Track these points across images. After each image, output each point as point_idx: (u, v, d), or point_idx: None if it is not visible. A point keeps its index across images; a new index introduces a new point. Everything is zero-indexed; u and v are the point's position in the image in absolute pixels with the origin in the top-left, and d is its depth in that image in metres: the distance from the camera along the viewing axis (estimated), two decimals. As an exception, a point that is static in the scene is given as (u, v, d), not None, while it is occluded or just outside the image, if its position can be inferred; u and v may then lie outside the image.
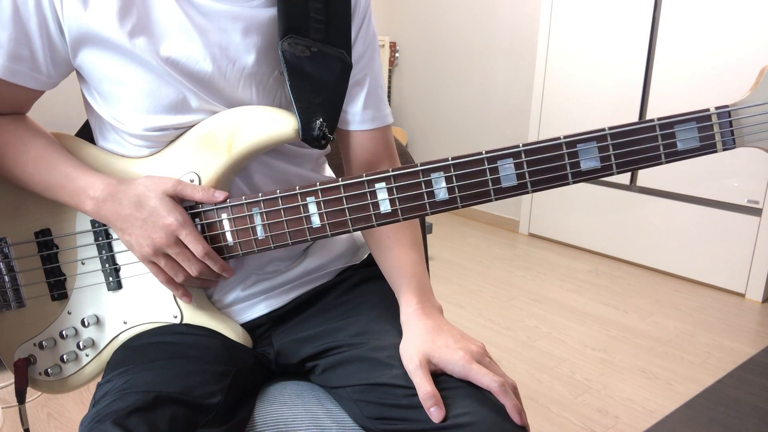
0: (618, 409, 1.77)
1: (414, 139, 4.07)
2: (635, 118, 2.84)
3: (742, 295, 2.61)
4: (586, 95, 3.02)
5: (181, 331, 0.79)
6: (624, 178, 2.95)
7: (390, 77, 3.99)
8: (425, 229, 1.09)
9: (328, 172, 0.94)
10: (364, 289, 0.87)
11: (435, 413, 0.64)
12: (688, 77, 2.64)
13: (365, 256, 0.93)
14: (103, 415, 0.64)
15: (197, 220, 0.75)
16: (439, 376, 0.70)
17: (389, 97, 4.02)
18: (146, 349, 0.77)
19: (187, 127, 0.76)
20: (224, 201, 0.74)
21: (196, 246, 0.73)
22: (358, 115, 0.84)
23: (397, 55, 4.01)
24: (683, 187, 2.74)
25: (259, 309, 0.84)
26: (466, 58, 3.65)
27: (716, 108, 0.62)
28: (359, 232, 0.95)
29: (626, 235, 2.98)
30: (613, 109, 2.92)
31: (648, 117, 2.81)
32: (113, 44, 0.71)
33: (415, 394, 0.67)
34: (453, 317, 2.35)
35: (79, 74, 0.78)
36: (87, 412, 0.68)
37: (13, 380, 0.83)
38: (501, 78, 3.49)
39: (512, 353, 2.09)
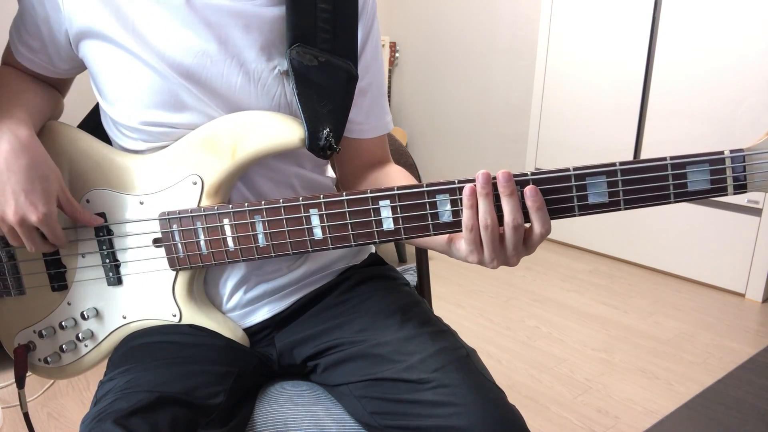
0: (618, 409, 1.78)
1: (414, 139, 4.07)
2: (635, 118, 2.84)
3: (742, 295, 2.61)
4: (586, 95, 3.02)
5: (184, 331, 0.79)
6: (624, 178, 2.94)
7: (390, 77, 3.99)
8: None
9: (329, 172, 0.94)
10: (364, 288, 0.87)
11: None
12: (688, 77, 2.64)
13: (366, 257, 0.94)
14: (105, 414, 0.64)
15: (199, 223, 0.74)
16: (438, 370, 0.70)
17: (389, 96, 4.02)
18: (149, 348, 0.77)
19: (185, 126, 0.76)
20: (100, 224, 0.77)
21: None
22: (359, 124, 0.85)
23: (397, 55, 4.01)
24: (683, 187, 2.74)
25: (261, 314, 0.84)
26: (466, 58, 3.65)
27: (731, 151, 0.62)
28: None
29: (626, 235, 2.98)
30: (613, 109, 2.91)
31: (648, 117, 2.82)
32: (110, 38, 0.72)
33: (418, 389, 0.68)
34: (453, 317, 2.35)
35: None
36: (88, 410, 0.68)
37: (13, 380, 0.84)
38: (501, 78, 3.49)
39: (512, 353, 2.09)
